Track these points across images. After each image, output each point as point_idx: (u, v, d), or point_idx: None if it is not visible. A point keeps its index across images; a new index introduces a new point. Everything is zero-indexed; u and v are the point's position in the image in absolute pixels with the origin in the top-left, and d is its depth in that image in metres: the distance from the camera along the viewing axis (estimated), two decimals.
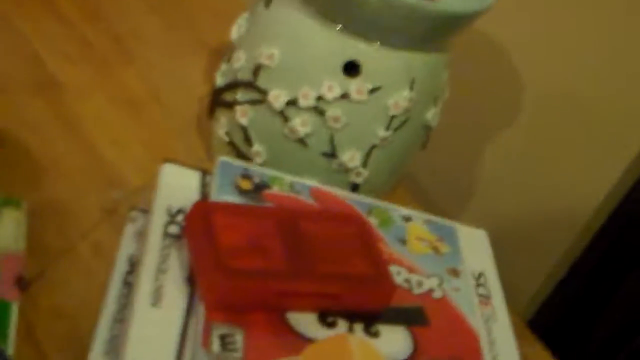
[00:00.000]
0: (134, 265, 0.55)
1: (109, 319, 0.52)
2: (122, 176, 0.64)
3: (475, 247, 0.61)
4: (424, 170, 0.80)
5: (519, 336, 0.57)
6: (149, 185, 0.58)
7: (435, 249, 0.59)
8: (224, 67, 0.67)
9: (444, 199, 0.80)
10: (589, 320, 0.79)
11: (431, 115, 0.65)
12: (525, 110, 0.76)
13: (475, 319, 0.55)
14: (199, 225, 0.50)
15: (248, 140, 0.64)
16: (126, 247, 0.56)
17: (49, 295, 0.54)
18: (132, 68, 0.75)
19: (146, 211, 0.58)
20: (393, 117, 0.62)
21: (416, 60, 0.62)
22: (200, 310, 0.47)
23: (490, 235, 0.63)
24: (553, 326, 0.80)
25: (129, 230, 0.58)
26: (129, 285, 0.54)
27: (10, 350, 0.49)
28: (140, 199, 0.61)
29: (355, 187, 0.64)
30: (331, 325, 0.50)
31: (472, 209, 0.80)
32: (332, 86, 0.61)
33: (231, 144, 0.65)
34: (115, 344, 0.51)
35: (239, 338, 0.47)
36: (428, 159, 0.74)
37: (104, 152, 0.65)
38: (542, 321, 0.80)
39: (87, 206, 0.60)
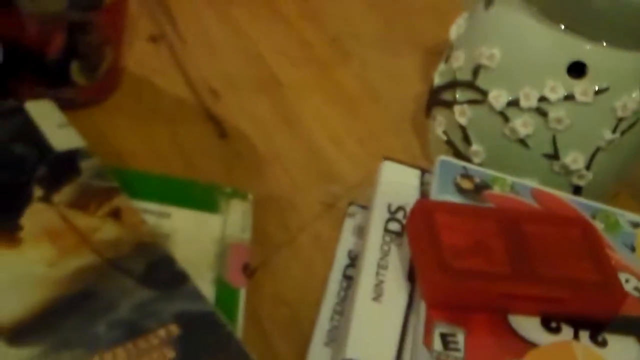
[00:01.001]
0: (353, 259, 0.56)
1: (329, 310, 0.53)
2: (339, 172, 0.65)
3: None
4: None
5: None
6: (367, 181, 0.59)
7: None
8: (442, 66, 0.67)
9: None
10: None
11: None
12: None
13: None
14: (421, 223, 0.50)
15: (467, 140, 0.63)
16: (345, 241, 0.58)
17: (272, 283, 0.56)
18: (350, 67, 0.76)
19: (365, 207, 0.59)
20: (620, 119, 0.60)
21: None
22: (422, 308, 0.47)
23: None
24: None
25: (348, 224, 0.59)
26: (348, 278, 0.55)
27: (239, 333, 0.51)
28: (358, 195, 0.62)
29: (577, 190, 0.62)
30: (555, 330, 0.49)
31: None
32: (556, 87, 0.59)
33: (449, 142, 0.64)
34: (335, 335, 0.52)
35: (460, 338, 0.46)
36: None
37: (322, 148, 0.67)
38: None
39: (306, 199, 0.62)
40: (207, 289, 0.53)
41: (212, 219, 0.57)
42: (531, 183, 0.58)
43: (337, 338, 0.51)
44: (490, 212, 0.52)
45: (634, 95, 0.59)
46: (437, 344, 0.45)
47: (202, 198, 0.58)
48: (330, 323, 0.52)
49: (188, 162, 0.62)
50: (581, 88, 0.58)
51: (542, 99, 0.59)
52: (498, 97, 0.60)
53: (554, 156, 0.61)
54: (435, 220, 0.49)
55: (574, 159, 0.60)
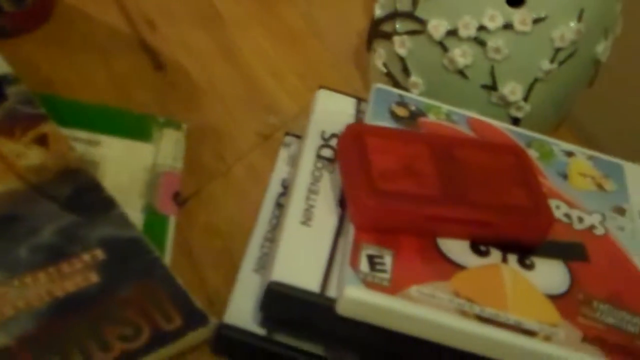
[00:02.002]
0: (287, 188, 0.55)
1: (260, 238, 0.53)
2: (277, 104, 0.64)
3: None
4: (590, 111, 0.76)
5: None
6: (304, 113, 0.59)
7: (599, 186, 0.55)
8: None
9: (611, 143, 0.75)
10: None
11: (601, 49, 0.61)
12: None
13: None
14: (351, 146, 0.49)
15: (406, 71, 0.62)
16: (279, 171, 0.57)
17: (204, 213, 0.55)
18: (293, 2, 0.75)
19: (300, 137, 0.58)
20: (558, 49, 0.59)
21: None
22: (350, 230, 0.47)
23: None
24: None
25: (283, 154, 0.58)
26: (280, 207, 0.54)
27: (167, 260, 0.50)
28: (294, 126, 0.61)
29: (515, 122, 0.62)
30: (484, 254, 0.48)
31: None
32: (495, 16, 0.58)
33: (389, 75, 0.64)
34: (265, 262, 0.51)
35: (388, 260, 0.46)
36: (595, 98, 0.70)
37: (260, 81, 0.66)
38: None
39: (243, 130, 0.61)
40: (137, 216, 0.52)
41: (144, 148, 0.56)
42: (468, 112, 0.57)
43: (266, 265, 0.51)
44: (422, 137, 0.51)
45: (571, 24, 0.58)
46: (364, 265, 0.45)
47: (134, 127, 0.57)
48: (260, 250, 0.52)
49: (122, 93, 0.61)
50: (520, 17, 0.58)
51: (481, 28, 0.58)
52: (437, 27, 0.60)
53: (492, 87, 0.60)
54: (365, 143, 0.49)
55: (512, 89, 0.60)
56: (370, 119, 0.54)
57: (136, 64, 0.64)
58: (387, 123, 0.54)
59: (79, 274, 0.47)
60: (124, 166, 0.54)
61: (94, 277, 0.47)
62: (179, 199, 0.54)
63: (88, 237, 0.48)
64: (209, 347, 0.48)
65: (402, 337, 0.45)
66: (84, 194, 0.50)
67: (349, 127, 0.50)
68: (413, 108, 0.55)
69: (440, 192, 0.48)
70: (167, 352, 0.46)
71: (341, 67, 0.70)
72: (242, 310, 0.49)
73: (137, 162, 0.55)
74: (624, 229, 0.53)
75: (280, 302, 0.46)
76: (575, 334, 0.46)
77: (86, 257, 0.47)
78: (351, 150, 0.49)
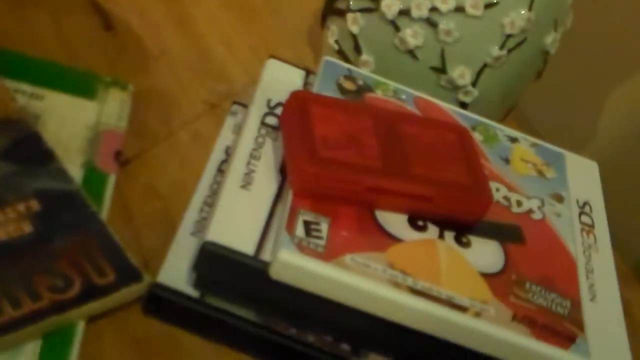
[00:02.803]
0: (230, 155, 0.55)
1: (200, 202, 0.52)
2: (228, 73, 0.64)
3: (583, 176, 0.58)
4: (537, 104, 0.77)
5: (622, 279, 0.54)
6: (254, 84, 0.58)
7: (540, 172, 0.56)
8: None
9: (555, 137, 0.77)
10: None
11: (550, 40, 0.62)
12: None
13: (574, 246, 0.52)
14: (295, 112, 0.49)
15: (357, 49, 0.62)
16: (224, 138, 0.56)
17: (146, 175, 0.54)
18: None
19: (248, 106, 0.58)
20: (508, 36, 0.60)
21: None
22: (289, 196, 0.47)
23: (603, 173, 0.60)
24: None
25: (229, 122, 0.58)
26: (222, 172, 0.54)
27: (104, 216, 0.50)
28: (243, 95, 0.61)
29: (463, 107, 0.62)
30: (421, 228, 0.49)
31: (587, 150, 0.77)
32: None
33: (340, 52, 0.64)
34: (203, 226, 0.51)
35: (324, 227, 0.46)
36: (543, 92, 0.71)
37: (212, 50, 0.65)
38: None
39: (191, 97, 0.61)
40: (76, 171, 0.51)
41: (88, 105, 0.55)
42: (416, 92, 0.57)
43: (204, 228, 0.50)
44: (367, 109, 0.52)
45: (522, 12, 0.59)
46: (300, 230, 0.45)
47: (79, 84, 0.56)
48: (199, 214, 0.52)
49: (70, 51, 0.60)
50: (471, 0, 0.58)
51: (433, 9, 0.59)
52: (390, 6, 0.60)
53: (442, 70, 0.61)
54: (309, 111, 0.49)
55: (460, 73, 0.60)
56: (317, 90, 0.54)
57: (86, 23, 0.63)
58: (334, 95, 0.54)
59: (12, 223, 0.46)
60: (66, 122, 0.53)
61: (27, 227, 0.46)
62: (120, 159, 0.53)
63: (24, 188, 0.47)
64: (141, 307, 0.48)
65: (334, 305, 0.46)
66: (23, 144, 0.50)
67: (294, 94, 0.50)
68: (361, 83, 0.56)
69: (381, 163, 0.48)
70: (98, 306, 0.46)
71: (294, 44, 0.70)
72: (176, 271, 0.48)
73: (79, 119, 0.54)
74: (561, 216, 0.54)
75: (213, 262, 0.45)
76: (506, 313, 0.47)
77: (21, 207, 0.47)
78: (295, 116, 0.49)
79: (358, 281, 0.44)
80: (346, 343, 0.49)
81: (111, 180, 0.52)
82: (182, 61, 0.63)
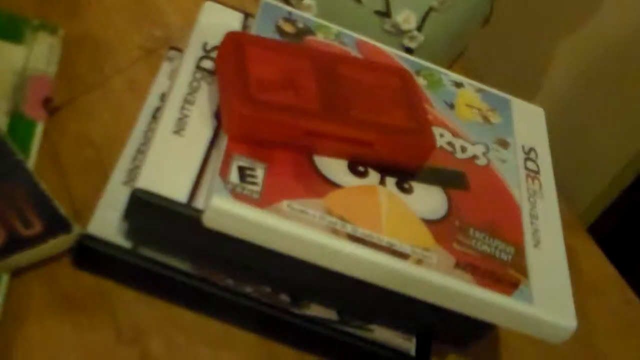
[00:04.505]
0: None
1: (133, 150, 0.50)
2: (164, 18, 0.61)
3: (529, 122, 0.57)
4: (484, 52, 0.75)
5: (567, 226, 0.54)
6: (191, 27, 0.56)
7: (485, 118, 0.55)
8: None
9: (504, 86, 0.76)
10: None
11: None
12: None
13: (519, 192, 0.51)
14: (231, 53, 0.47)
15: None
16: (160, 84, 0.54)
17: (77, 123, 0.52)
18: None
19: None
20: None
21: None
22: (223, 141, 0.45)
23: (550, 121, 0.58)
24: (612, 234, 0.75)
25: (165, 68, 0.55)
26: (157, 120, 0.52)
27: (31, 165, 0.47)
28: (179, 41, 0.58)
29: (408, 52, 0.60)
30: (361, 174, 0.47)
31: (534, 98, 0.76)
32: None
33: None
34: (136, 175, 0.49)
35: (260, 172, 0.44)
36: (489, 40, 0.69)
37: None
38: (601, 228, 0.76)
39: (125, 43, 0.58)
40: (1, 119, 0.49)
41: (13, 50, 0.52)
42: (358, 35, 0.56)
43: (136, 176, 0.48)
44: (306, 52, 0.50)
45: None
46: (234, 176, 0.43)
47: (5, 26, 0.53)
48: (132, 163, 0.49)
49: None
50: None
51: None
52: None
53: (386, 14, 0.59)
54: (245, 52, 0.47)
55: (405, 18, 0.59)
56: (255, 33, 0.51)
57: None
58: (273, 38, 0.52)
59: None
60: None
61: None
62: (49, 106, 0.51)
63: None
64: (70, 260, 0.46)
65: (272, 254, 0.44)
66: None
67: (230, 35, 0.48)
68: (301, 25, 0.53)
69: (320, 107, 0.46)
70: (24, 258, 0.43)
71: None
72: (108, 221, 0.46)
73: (5, 63, 0.51)
74: (506, 162, 0.53)
75: (144, 210, 0.44)
76: (449, 259, 0.46)
77: None
78: (230, 57, 0.46)
79: (295, 228, 0.43)
80: (285, 294, 0.48)
81: (39, 128, 0.49)
82: (116, 5, 0.60)
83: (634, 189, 0.74)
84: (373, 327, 0.49)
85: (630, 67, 0.74)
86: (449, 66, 0.65)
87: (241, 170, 0.44)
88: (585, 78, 0.77)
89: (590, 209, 0.77)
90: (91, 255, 0.46)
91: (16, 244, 0.43)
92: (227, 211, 0.42)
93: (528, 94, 0.76)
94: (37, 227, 0.44)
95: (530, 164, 0.54)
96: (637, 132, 0.73)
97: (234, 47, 0.47)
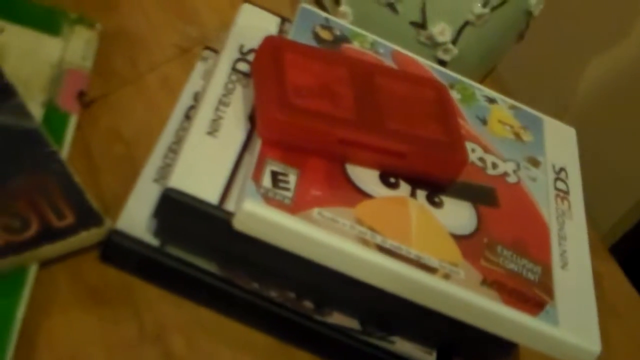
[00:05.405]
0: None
1: (165, 148, 0.50)
2: (201, 18, 0.61)
3: (560, 142, 0.56)
4: (517, 68, 0.75)
5: (593, 252, 0.53)
6: (226, 28, 0.56)
7: (517, 135, 0.55)
8: None
9: (535, 104, 0.75)
10: None
11: (534, 0, 0.60)
12: None
13: (548, 211, 0.51)
14: (268, 58, 0.47)
15: (336, 0, 0.60)
16: (194, 84, 0.54)
17: (110, 118, 0.52)
18: None
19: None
20: None
21: None
22: (257, 144, 0.45)
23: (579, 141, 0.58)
24: (634, 256, 0.75)
25: (199, 68, 0.55)
26: (189, 119, 0.52)
27: (63, 155, 0.47)
28: (215, 41, 0.58)
29: (441, 65, 0.60)
30: (393, 185, 0.47)
31: (564, 117, 0.75)
32: None
33: (318, 2, 0.62)
34: (167, 173, 0.49)
35: (292, 178, 0.44)
36: (524, 55, 0.69)
37: None
38: (623, 250, 0.76)
39: (161, 40, 0.58)
40: (36, 110, 0.49)
41: (52, 42, 0.53)
42: (393, 45, 0.55)
43: (168, 175, 0.48)
44: (344, 60, 0.50)
45: None
46: (267, 181, 0.43)
47: (43, 19, 0.53)
48: (163, 161, 0.49)
49: None
50: None
51: None
52: None
53: (422, 25, 0.59)
54: (283, 58, 0.47)
55: (441, 30, 0.59)
56: (292, 38, 0.51)
57: None
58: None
59: None
60: (27, 57, 0.51)
61: None
62: (83, 99, 0.51)
63: None
64: (99, 254, 0.46)
65: (299, 260, 0.44)
66: None
67: (268, 39, 0.48)
68: (338, 33, 0.53)
69: (355, 116, 0.46)
70: (55, 249, 0.44)
71: None
72: (137, 218, 0.46)
73: (42, 56, 0.51)
74: (536, 180, 0.53)
75: (174, 210, 0.44)
76: (475, 276, 0.45)
77: None
78: (267, 61, 0.46)
79: (324, 236, 0.43)
80: (309, 300, 0.48)
81: (73, 120, 0.50)
82: (153, 2, 0.61)
83: None
84: (394, 338, 0.49)
85: None
86: (481, 81, 0.65)
87: (274, 175, 0.44)
88: (611, 98, 0.77)
89: (613, 230, 0.76)
90: (118, 251, 0.46)
91: (48, 234, 0.43)
92: (258, 215, 0.42)
93: (553, 111, 0.76)
94: (70, 219, 0.44)
95: (560, 184, 0.53)
96: None
97: (272, 51, 0.47)
